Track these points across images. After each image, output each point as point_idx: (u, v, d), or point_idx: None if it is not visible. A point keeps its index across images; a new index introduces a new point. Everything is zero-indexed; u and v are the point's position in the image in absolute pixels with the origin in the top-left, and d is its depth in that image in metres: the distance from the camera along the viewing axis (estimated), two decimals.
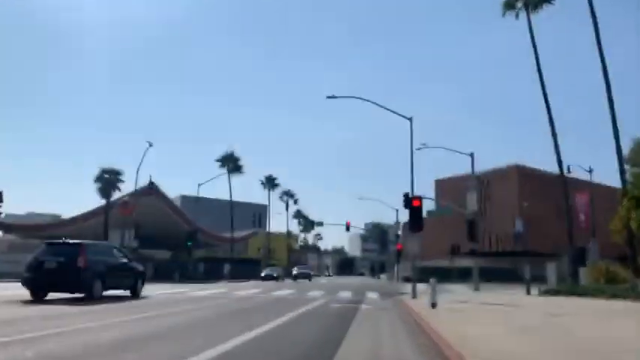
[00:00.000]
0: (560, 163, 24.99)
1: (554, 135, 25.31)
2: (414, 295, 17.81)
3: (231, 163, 50.37)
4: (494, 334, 7.62)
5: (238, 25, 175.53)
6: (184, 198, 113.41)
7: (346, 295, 20.26)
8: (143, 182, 39.59)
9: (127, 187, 39.01)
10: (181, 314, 10.73)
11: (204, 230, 50.49)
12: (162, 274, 36.52)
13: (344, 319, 10.00)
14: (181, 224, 41.53)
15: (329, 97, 21.46)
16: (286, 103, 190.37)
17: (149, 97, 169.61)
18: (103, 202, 39.29)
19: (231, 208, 49.61)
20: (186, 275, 36.78)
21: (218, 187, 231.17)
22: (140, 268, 16.53)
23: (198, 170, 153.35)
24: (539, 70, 25.71)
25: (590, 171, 33.31)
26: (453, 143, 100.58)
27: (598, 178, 34.94)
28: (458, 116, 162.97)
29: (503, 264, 50.62)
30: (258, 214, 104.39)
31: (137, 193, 35.00)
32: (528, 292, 20.99)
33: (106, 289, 14.09)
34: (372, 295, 20.20)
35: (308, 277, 46.40)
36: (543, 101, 25.52)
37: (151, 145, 34.62)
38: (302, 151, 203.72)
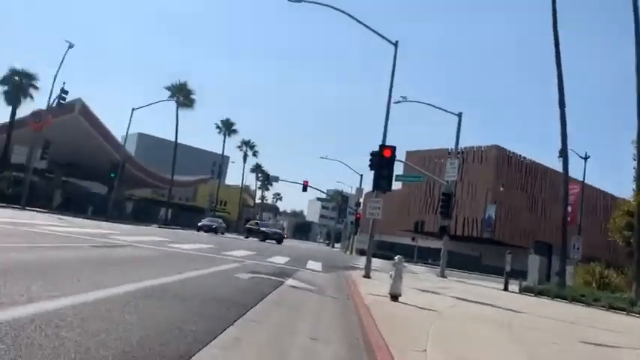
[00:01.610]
0: (564, 138, 20.21)
1: (561, 105, 20.49)
2: (367, 273, 13.53)
3: (181, 95, 43.32)
4: None
5: None
6: (142, 136, 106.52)
7: (279, 261, 15.25)
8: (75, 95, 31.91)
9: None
10: None
11: (138, 164, 44.14)
12: (76, 207, 30.82)
13: (222, 313, 5.04)
14: (113, 154, 35.42)
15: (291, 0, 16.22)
16: (254, 52, 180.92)
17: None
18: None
19: (176, 146, 43.04)
20: (106, 213, 30.88)
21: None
22: None
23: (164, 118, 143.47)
24: (556, 41, 20.31)
25: (586, 158, 28.99)
26: (435, 119, 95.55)
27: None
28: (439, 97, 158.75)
29: (468, 250, 47.25)
30: (219, 164, 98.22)
31: (56, 107, 28.64)
32: (506, 288, 17.41)
33: None
34: (314, 266, 15.40)
35: (279, 239, 38.35)
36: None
37: (71, 46, 28.37)
38: (269, 104, 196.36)
